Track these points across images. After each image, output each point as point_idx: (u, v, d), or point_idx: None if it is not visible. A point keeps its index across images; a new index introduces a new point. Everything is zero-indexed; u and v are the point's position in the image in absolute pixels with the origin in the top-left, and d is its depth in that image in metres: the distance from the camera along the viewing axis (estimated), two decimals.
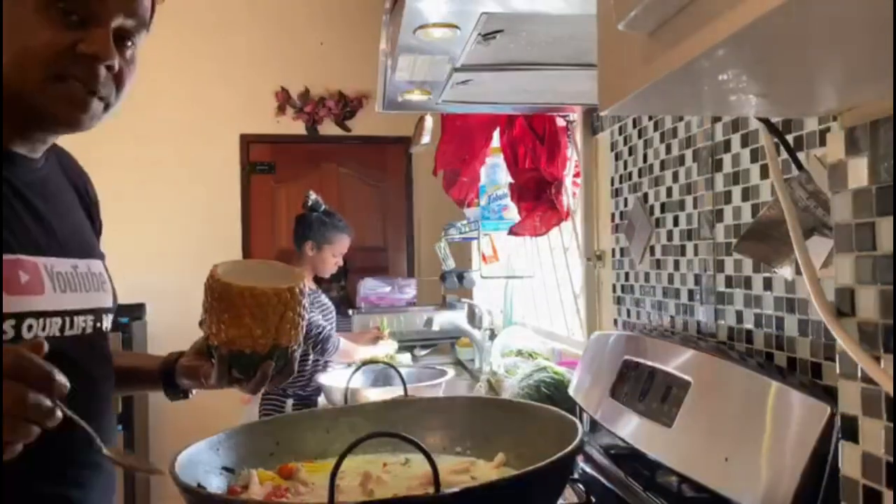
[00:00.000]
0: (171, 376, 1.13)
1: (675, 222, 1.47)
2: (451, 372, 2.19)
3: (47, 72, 0.84)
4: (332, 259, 2.92)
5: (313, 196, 2.97)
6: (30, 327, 0.86)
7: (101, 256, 1.06)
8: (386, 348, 3.01)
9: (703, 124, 1.34)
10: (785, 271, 1.04)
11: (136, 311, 4.14)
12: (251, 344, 0.98)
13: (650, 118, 1.60)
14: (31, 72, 0.83)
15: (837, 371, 0.77)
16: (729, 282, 1.26)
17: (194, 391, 1.16)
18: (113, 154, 3.87)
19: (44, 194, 0.95)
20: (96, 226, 1.11)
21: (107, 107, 0.91)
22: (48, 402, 0.66)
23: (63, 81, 0.85)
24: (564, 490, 0.96)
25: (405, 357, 3.10)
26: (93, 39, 0.84)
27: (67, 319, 0.92)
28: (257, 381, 1.00)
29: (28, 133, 0.91)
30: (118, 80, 0.90)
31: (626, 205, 1.74)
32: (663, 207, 1.53)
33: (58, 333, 0.90)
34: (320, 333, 2.68)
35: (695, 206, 1.38)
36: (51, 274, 0.90)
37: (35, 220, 0.91)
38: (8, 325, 0.83)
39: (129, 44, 0.91)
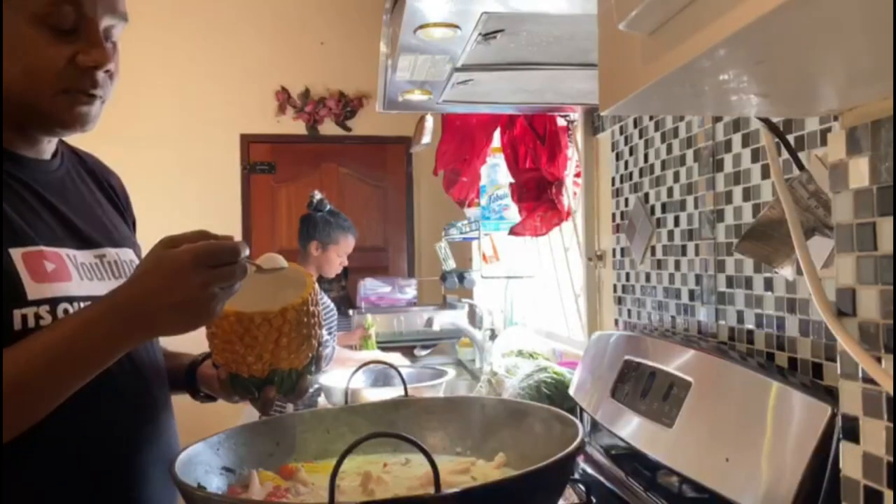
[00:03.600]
0: (194, 380, 1.13)
1: (676, 222, 1.47)
2: (451, 372, 2.19)
3: (54, 87, 0.88)
4: (337, 259, 2.91)
5: (318, 196, 2.96)
6: (65, 311, 0.88)
7: (133, 246, 1.08)
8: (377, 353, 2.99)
9: (703, 124, 1.34)
10: (786, 271, 1.04)
11: None
12: (246, 369, 0.94)
13: (651, 118, 1.59)
14: (40, 87, 0.88)
15: (838, 371, 0.77)
16: (730, 282, 1.26)
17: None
18: (113, 155, 3.86)
19: (62, 193, 0.98)
20: (129, 222, 1.14)
21: (103, 102, 0.95)
22: (237, 270, 0.83)
23: (69, 93, 0.90)
24: (565, 490, 0.96)
25: (393, 356, 3.05)
26: (90, 50, 0.89)
27: None
28: (262, 404, 0.99)
29: (31, 135, 0.95)
30: (111, 76, 0.94)
31: (626, 205, 1.74)
32: (664, 207, 1.52)
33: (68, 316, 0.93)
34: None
35: (696, 206, 1.38)
36: (75, 264, 0.94)
37: (54, 216, 0.95)
38: (43, 311, 0.86)
39: (113, 37, 0.95)
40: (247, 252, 0.85)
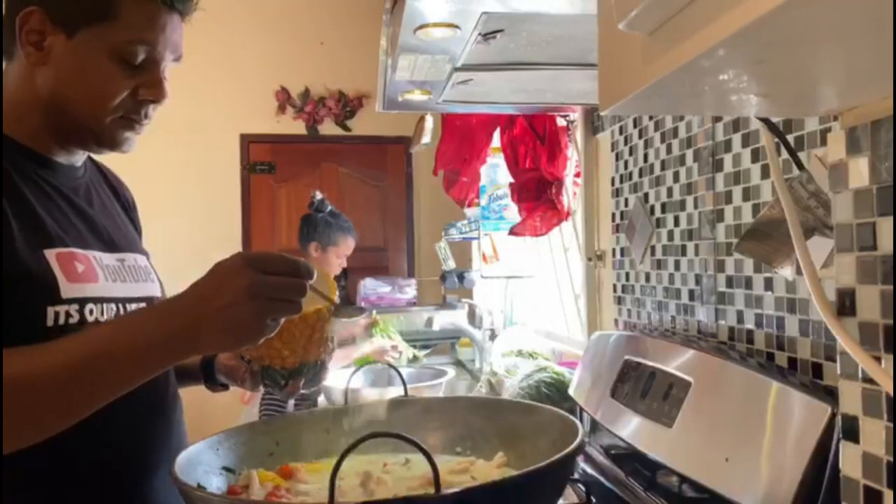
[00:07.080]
0: (210, 369, 1.17)
1: (676, 222, 1.47)
2: (451, 372, 2.19)
3: (112, 113, 0.97)
4: (336, 261, 2.89)
5: (319, 196, 2.94)
6: (91, 311, 0.93)
7: (144, 253, 1.13)
8: (381, 343, 2.95)
9: (703, 124, 1.34)
10: (786, 271, 1.04)
11: None
12: (280, 362, 1.00)
13: (651, 118, 1.60)
14: (100, 111, 0.96)
15: (838, 371, 0.77)
16: (730, 282, 1.26)
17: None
18: (113, 154, 3.88)
19: (87, 198, 1.04)
20: (137, 228, 1.20)
21: (143, 129, 1.04)
22: (292, 284, 0.82)
23: (123, 119, 0.98)
24: (564, 490, 0.96)
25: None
26: (152, 84, 0.98)
27: (121, 306, 0.99)
28: (288, 392, 1.04)
29: (71, 147, 1.02)
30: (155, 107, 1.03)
31: (626, 205, 1.74)
32: (664, 207, 1.52)
33: (114, 318, 0.97)
34: None
35: (695, 206, 1.38)
36: (101, 266, 0.99)
37: (81, 219, 1.00)
38: (73, 309, 0.91)
39: (166, 72, 1.03)
40: (314, 276, 0.85)
